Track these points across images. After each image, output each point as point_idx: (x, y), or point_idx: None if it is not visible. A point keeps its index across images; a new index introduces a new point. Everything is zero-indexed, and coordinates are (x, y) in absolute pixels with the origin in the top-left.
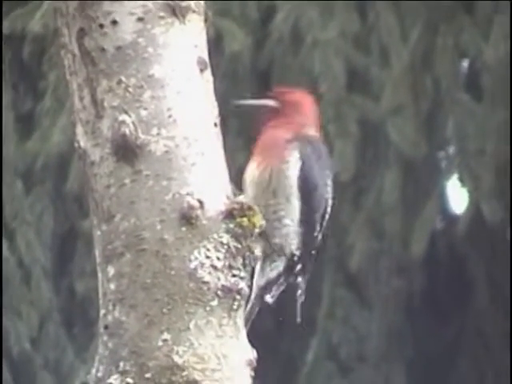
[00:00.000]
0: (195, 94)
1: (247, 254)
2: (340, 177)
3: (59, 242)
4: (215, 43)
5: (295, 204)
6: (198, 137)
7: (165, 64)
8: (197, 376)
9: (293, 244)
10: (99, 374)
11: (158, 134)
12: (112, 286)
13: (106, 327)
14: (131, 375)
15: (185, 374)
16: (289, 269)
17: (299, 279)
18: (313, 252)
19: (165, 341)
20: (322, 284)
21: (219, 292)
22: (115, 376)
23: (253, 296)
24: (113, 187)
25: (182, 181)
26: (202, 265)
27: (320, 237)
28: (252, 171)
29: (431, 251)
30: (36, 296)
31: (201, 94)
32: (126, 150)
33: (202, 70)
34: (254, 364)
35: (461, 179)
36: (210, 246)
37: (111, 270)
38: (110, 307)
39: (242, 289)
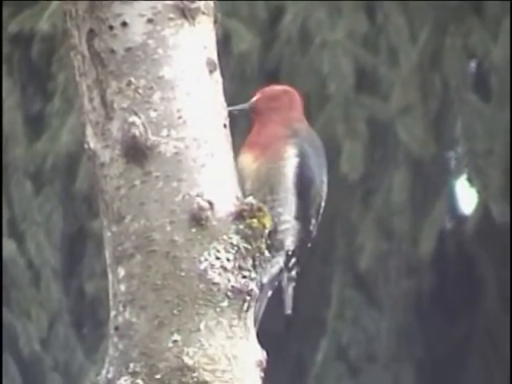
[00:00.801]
0: (205, 95)
1: (257, 255)
2: (349, 177)
3: (68, 243)
4: (223, 44)
5: (292, 199)
6: (207, 138)
7: (174, 65)
8: (207, 377)
9: (291, 239)
10: (109, 375)
11: (168, 136)
12: (122, 288)
13: (116, 328)
14: (141, 376)
15: (195, 375)
16: (286, 263)
17: (293, 273)
18: (308, 245)
19: (175, 342)
20: (332, 284)
21: (229, 293)
22: (125, 377)
23: (259, 295)
24: (123, 188)
25: (192, 182)
26: (212, 266)
27: (315, 231)
28: (248, 166)
29: (440, 251)
30: (45, 297)
31: (210, 95)
32: (136, 152)
33: (211, 71)
34: (264, 365)
35: (469, 179)
36: (219, 247)
37: (121, 271)
38: (121, 308)
39: (251, 290)
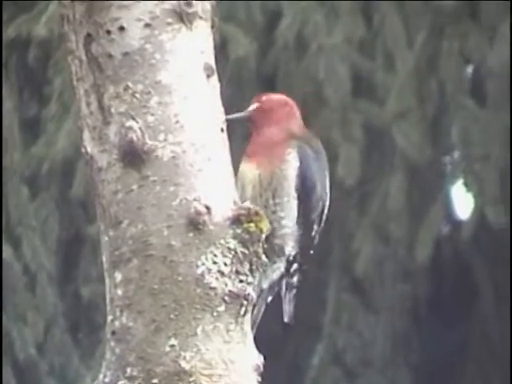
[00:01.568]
0: (202, 99)
1: (254, 259)
2: (345, 182)
3: (64, 248)
4: (220, 48)
5: (294, 204)
6: (204, 142)
7: (172, 70)
8: (204, 381)
9: (291, 244)
10: (106, 380)
11: (165, 140)
12: (119, 292)
13: (113, 333)
14: (138, 381)
15: (192, 379)
16: (287, 269)
17: (294, 279)
18: (310, 252)
19: (172, 346)
20: (328, 289)
21: (226, 297)
22: (122, 382)
23: (258, 300)
24: (120, 193)
25: (189, 186)
26: (209, 270)
27: (317, 237)
28: (250, 172)
29: (436, 256)
30: (41, 302)
31: (207, 99)
32: (133, 156)
33: (208, 76)
34: (261, 369)
35: (466, 184)
36: (217, 252)
37: (118, 276)
38: (118, 313)
39: (249, 294)
